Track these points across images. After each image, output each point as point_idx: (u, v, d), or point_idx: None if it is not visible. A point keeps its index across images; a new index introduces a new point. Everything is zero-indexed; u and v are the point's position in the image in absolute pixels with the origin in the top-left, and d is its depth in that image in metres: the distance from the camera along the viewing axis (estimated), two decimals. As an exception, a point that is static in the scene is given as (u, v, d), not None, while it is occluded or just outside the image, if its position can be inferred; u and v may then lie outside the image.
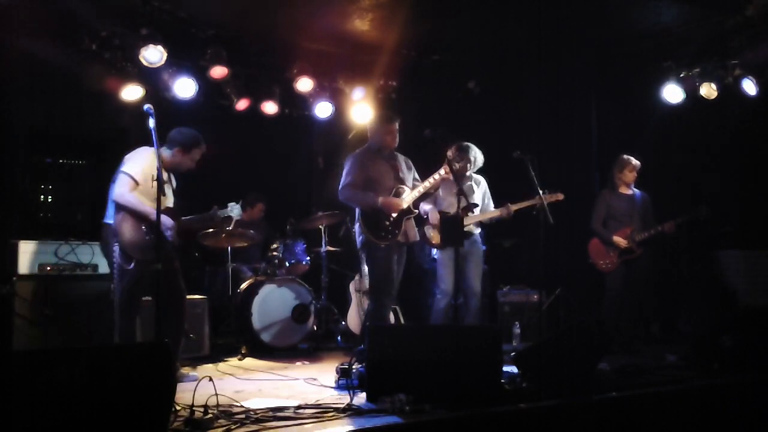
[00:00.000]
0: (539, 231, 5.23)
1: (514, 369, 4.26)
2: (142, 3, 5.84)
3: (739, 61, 6.56)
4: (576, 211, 6.33)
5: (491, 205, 5.98)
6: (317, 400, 3.85)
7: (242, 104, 6.94)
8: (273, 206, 7.41)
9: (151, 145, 4.41)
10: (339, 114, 7.39)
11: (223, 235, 6.09)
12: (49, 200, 5.71)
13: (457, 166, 5.29)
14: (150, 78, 6.24)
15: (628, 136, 7.46)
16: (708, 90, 6.71)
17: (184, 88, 6.35)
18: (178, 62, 6.32)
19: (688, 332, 6.82)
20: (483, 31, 6.75)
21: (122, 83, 6.17)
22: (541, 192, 5.33)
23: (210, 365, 5.43)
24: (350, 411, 3.60)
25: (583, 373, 4.14)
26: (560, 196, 5.61)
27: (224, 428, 3.26)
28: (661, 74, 6.97)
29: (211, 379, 3.59)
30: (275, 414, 3.50)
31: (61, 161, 5.79)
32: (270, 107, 7.07)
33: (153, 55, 5.91)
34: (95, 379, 2.86)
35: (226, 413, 3.45)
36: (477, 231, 5.92)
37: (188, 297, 5.69)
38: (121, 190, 4.38)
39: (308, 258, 6.67)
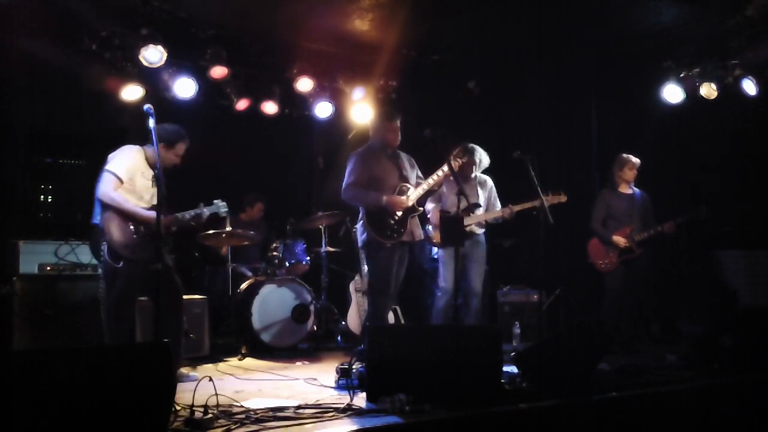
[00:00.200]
0: (539, 231, 5.22)
1: (514, 369, 4.25)
2: (142, 3, 5.84)
3: (739, 61, 6.56)
4: (576, 211, 6.33)
5: (498, 205, 5.98)
6: (317, 400, 3.85)
7: (242, 104, 6.94)
8: (273, 206, 7.41)
9: (151, 144, 4.46)
10: (339, 114, 7.39)
11: (223, 235, 6.09)
12: (49, 200, 5.72)
13: (459, 161, 5.28)
14: (150, 78, 6.25)
15: (628, 136, 7.47)
16: (708, 90, 6.71)
17: (184, 88, 6.36)
18: (178, 62, 6.32)
19: (688, 332, 6.81)
20: (483, 31, 6.75)
21: (122, 83, 6.18)
22: (542, 194, 5.31)
23: (210, 365, 5.42)
24: (350, 411, 3.60)
25: (583, 373, 4.14)
26: (563, 198, 5.60)
27: (224, 428, 3.26)
28: (661, 74, 6.98)
29: (211, 379, 3.59)
30: (275, 414, 3.50)
31: (61, 161, 5.80)
32: (270, 107, 7.08)
33: (153, 55, 5.91)
34: (95, 379, 2.86)
35: (226, 413, 3.45)
36: (480, 231, 5.92)
37: (188, 297, 5.71)
38: (106, 188, 4.37)
39: (308, 258, 6.67)
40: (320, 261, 6.71)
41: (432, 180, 5.23)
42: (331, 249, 6.75)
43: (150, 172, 4.61)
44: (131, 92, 6.21)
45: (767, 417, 4.33)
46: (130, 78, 6.17)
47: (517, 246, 7.61)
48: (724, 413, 4.30)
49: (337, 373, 4.36)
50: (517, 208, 5.73)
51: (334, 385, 4.38)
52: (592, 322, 4.55)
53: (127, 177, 4.44)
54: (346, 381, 4.17)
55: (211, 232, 6.03)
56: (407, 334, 4.06)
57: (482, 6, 6.17)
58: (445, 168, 5.11)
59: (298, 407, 3.65)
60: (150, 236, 4.47)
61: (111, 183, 4.38)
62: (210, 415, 3.34)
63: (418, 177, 5.45)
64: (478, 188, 5.96)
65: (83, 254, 5.30)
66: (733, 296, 6.94)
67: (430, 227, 5.98)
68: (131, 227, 4.40)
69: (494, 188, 6.07)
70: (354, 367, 4.23)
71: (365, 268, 6.37)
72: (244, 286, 6.38)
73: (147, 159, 4.62)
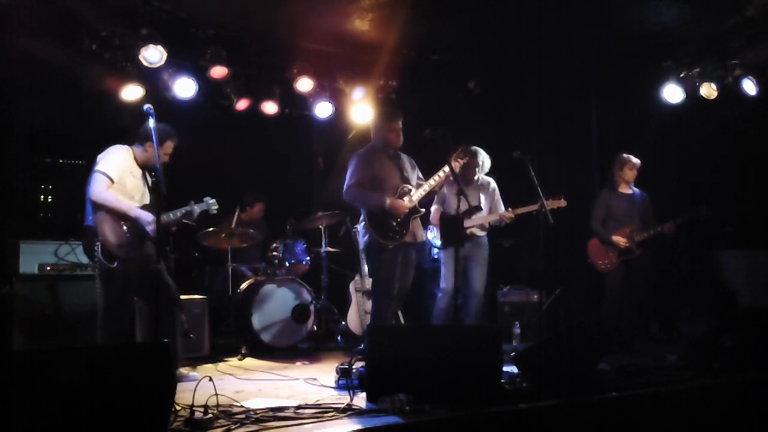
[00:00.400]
0: (539, 231, 5.22)
1: (514, 369, 4.25)
2: (142, 3, 5.84)
3: (739, 61, 6.57)
4: (576, 211, 6.33)
5: (501, 207, 5.98)
6: (317, 400, 3.85)
7: (242, 104, 6.94)
8: (273, 206, 7.42)
9: (138, 143, 4.48)
10: (339, 114, 7.39)
11: (223, 235, 6.10)
12: (49, 200, 5.71)
13: (460, 161, 5.27)
14: (150, 78, 6.24)
15: (628, 136, 7.47)
16: (708, 90, 6.72)
17: (184, 88, 6.36)
18: (178, 62, 6.32)
19: (688, 332, 6.82)
20: (483, 31, 6.75)
21: (122, 83, 6.17)
22: (543, 198, 5.30)
23: (210, 365, 5.43)
24: (350, 411, 3.60)
25: (583, 373, 4.14)
26: (562, 203, 5.60)
27: (224, 428, 3.26)
28: (661, 74, 6.98)
29: (211, 379, 3.59)
30: (275, 414, 3.50)
31: (61, 161, 5.79)
32: (270, 107, 7.08)
33: (153, 55, 5.91)
34: (95, 379, 2.86)
35: (226, 413, 3.45)
36: (482, 233, 5.91)
37: (188, 297, 5.72)
38: (97, 188, 4.35)
39: (308, 258, 6.67)
40: (320, 261, 6.71)
41: (433, 181, 5.21)
42: (331, 249, 6.75)
43: (139, 171, 4.61)
44: (131, 92, 6.21)
45: (767, 417, 4.33)
46: (130, 78, 6.17)
47: (517, 246, 7.61)
48: (724, 413, 4.30)
49: (337, 373, 4.36)
50: (517, 211, 5.74)
51: (334, 385, 4.38)
52: (592, 322, 4.56)
53: (118, 177, 4.43)
54: (346, 381, 4.17)
55: (211, 231, 6.04)
56: (407, 334, 4.06)
57: (482, 6, 6.17)
58: (446, 169, 5.10)
59: (298, 407, 3.65)
60: (143, 235, 4.46)
61: (103, 183, 4.37)
62: (210, 415, 3.34)
63: (418, 178, 5.44)
64: (480, 191, 5.96)
65: (83, 254, 5.29)
66: (733, 296, 6.94)
67: (430, 228, 5.99)
68: (124, 227, 4.39)
69: (497, 190, 6.07)
70: (354, 367, 4.22)
71: (365, 268, 6.38)
72: (244, 286, 6.38)
73: (135, 158, 4.61)
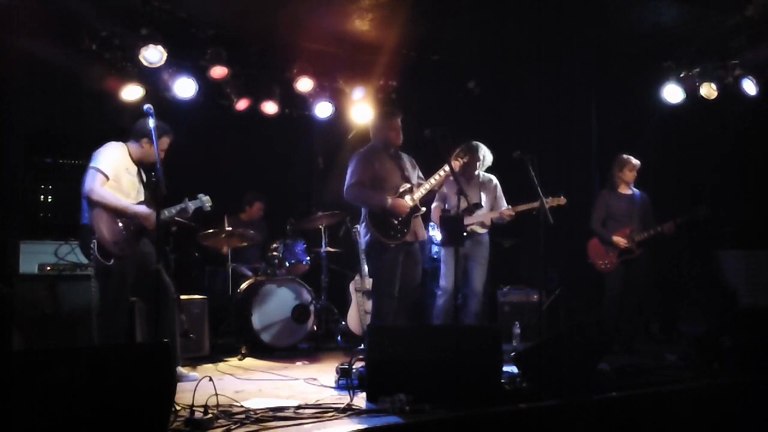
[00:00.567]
0: (539, 231, 5.23)
1: (514, 369, 4.25)
2: (142, 3, 5.84)
3: (739, 61, 6.56)
4: (576, 211, 6.34)
5: (503, 204, 5.99)
6: (317, 400, 3.84)
7: (242, 104, 6.94)
8: (273, 206, 7.42)
9: (134, 140, 4.47)
10: (339, 114, 7.39)
11: (223, 235, 6.10)
12: (49, 200, 5.72)
13: (461, 160, 5.26)
14: (150, 78, 6.25)
15: (628, 136, 7.47)
16: (708, 90, 6.71)
17: (184, 88, 6.36)
18: (178, 62, 6.32)
19: (688, 332, 6.82)
20: (483, 31, 6.76)
21: (122, 83, 6.17)
22: (543, 196, 5.31)
23: (210, 365, 5.43)
24: (350, 411, 3.59)
25: (583, 373, 4.14)
26: (562, 201, 5.61)
27: (224, 428, 3.26)
28: (661, 74, 6.97)
29: (211, 379, 3.59)
30: (275, 414, 3.49)
31: (61, 161, 5.79)
32: (270, 107, 7.08)
33: (153, 55, 5.91)
34: (95, 379, 2.86)
35: (226, 413, 3.45)
36: (482, 231, 5.91)
37: (188, 297, 5.72)
38: (92, 185, 4.34)
39: (308, 258, 6.67)
40: (320, 261, 6.71)
41: (434, 180, 5.20)
42: (331, 249, 6.75)
43: (134, 168, 4.61)
44: (131, 92, 6.21)
45: (767, 417, 4.33)
46: (130, 78, 6.16)
47: (517, 246, 7.61)
48: (724, 413, 4.30)
49: (337, 373, 4.36)
50: (517, 209, 5.75)
51: (334, 385, 4.38)
52: (592, 322, 4.55)
53: (113, 174, 4.43)
54: (346, 381, 4.17)
55: (210, 231, 6.04)
56: (407, 334, 4.05)
57: (482, 6, 6.17)
58: (447, 168, 5.10)
59: (298, 407, 3.64)
60: (139, 232, 4.45)
61: (98, 180, 4.36)
62: (210, 415, 3.33)
63: (419, 177, 5.43)
64: (481, 188, 5.96)
65: (83, 254, 5.30)
66: (733, 296, 6.93)
67: (431, 226, 5.99)
68: (120, 224, 4.38)
69: (499, 187, 6.07)
70: (354, 367, 4.22)
71: (365, 268, 6.38)
72: (244, 286, 6.38)
73: (131, 155, 4.60)
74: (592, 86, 7.60)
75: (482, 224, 5.90)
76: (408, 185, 5.25)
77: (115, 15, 5.93)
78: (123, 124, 6.07)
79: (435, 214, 6.01)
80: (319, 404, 3.73)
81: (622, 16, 6.48)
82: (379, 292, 5.26)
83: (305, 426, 3.34)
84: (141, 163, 4.67)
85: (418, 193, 5.22)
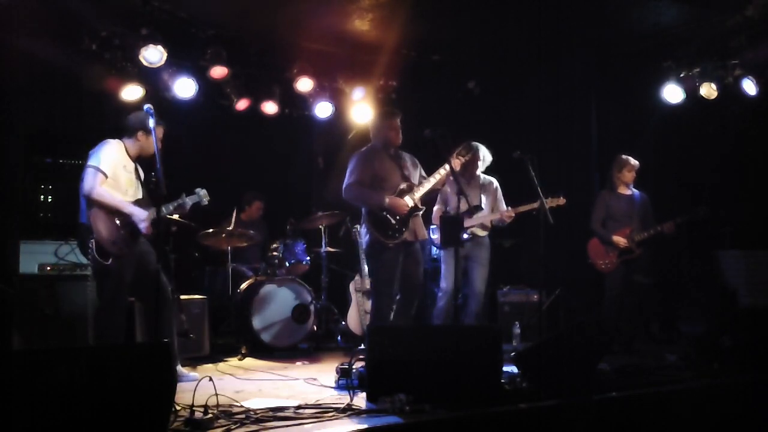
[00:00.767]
0: (539, 231, 5.22)
1: (514, 369, 4.25)
2: (142, 3, 5.84)
3: (739, 61, 6.57)
4: (576, 211, 6.34)
5: (503, 206, 5.98)
6: (317, 400, 3.84)
7: (242, 104, 6.95)
8: (273, 206, 7.42)
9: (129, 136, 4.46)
10: (339, 114, 7.39)
11: (223, 235, 6.10)
12: (49, 200, 5.71)
13: (462, 159, 5.26)
14: (150, 78, 6.25)
15: (628, 136, 7.47)
16: (708, 90, 6.72)
17: (184, 88, 6.36)
18: (178, 62, 6.32)
19: (688, 332, 6.82)
20: (483, 31, 6.76)
21: (122, 83, 6.18)
22: (542, 197, 5.31)
23: (210, 365, 5.43)
24: (350, 411, 3.59)
25: (583, 373, 4.14)
26: (562, 202, 5.61)
27: (224, 428, 3.26)
28: (661, 74, 6.98)
29: (211, 379, 3.59)
30: (275, 414, 3.49)
31: (61, 161, 5.79)
32: (270, 107, 7.08)
33: (153, 55, 5.91)
34: (95, 379, 2.86)
35: (226, 413, 3.45)
36: (483, 233, 5.91)
37: (188, 297, 5.72)
38: (91, 184, 4.33)
39: (308, 258, 6.67)
40: (320, 261, 6.71)
41: (433, 179, 5.19)
42: (331, 249, 6.75)
43: (132, 165, 4.60)
44: (131, 92, 6.21)
45: (767, 417, 4.33)
46: (130, 78, 6.17)
47: (517, 246, 7.61)
48: (724, 413, 4.30)
49: (337, 373, 4.36)
50: (517, 210, 5.75)
51: (334, 385, 4.38)
52: (592, 322, 4.55)
53: (111, 171, 4.41)
54: (346, 381, 4.17)
55: (210, 231, 6.05)
56: (407, 334, 4.05)
57: (482, 6, 6.17)
58: (447, 167, 5.09)
59: (298, 407, 3.64)
60: (136, 231, 4.45)
61: (96, 178, 4.34)
62: (210, 415, 3.33)
63: (421, 176, 5.40)
64: (482, 191, 5.96)
65: (81, 253, 5.30)
66: (733, 296, 6.93)
67: (432, 227, 5.98)
68: (117, 222, 4.38)
69: (500, 190, 6.07)
70: (354, 367, 4.22)
71: (365, 268, 6.38)
72: (244, 286, 6.38)
73: (127, 151, 4.59)
74: (592, 86, 7.60)
75: (483, 226, 5.90)
76: (408, 184, 5.23)
77: (115, 15, 5.93)
78: (123, 124, 6.09)
79: (436, 215, 6.00)
80: (319, 404, 3.73)
81: (622, 16, 6.48)
82: (377, 292, 5.25)
83: (305, 426, 3.34)
84: (139, 158, 4.66)
85: (418, 192, 5.20)
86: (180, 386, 3.70)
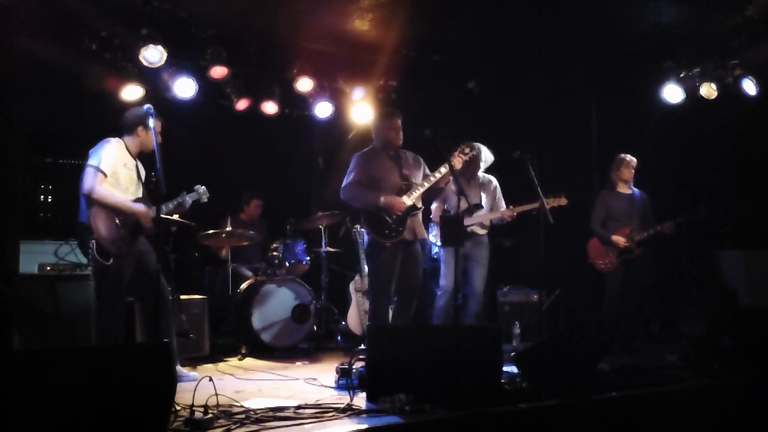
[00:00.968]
0: (539, 231, 5.22)
1: (514, 369, 4.25)
2: (142, 3, 5.84)
3: (739, 61, 6.57)
4: (576, 211, 6.33)
5: (502, 205, 5.98)
6: (317, 400, 3.84)
7: (242, 104, 6.95)
8: (273, 206, 7.42)
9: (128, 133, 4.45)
10: (339, 114, 7.40)
11: (223, 235, 6.10)
12: (49, 200, 5.71)
13: (465, 156, 5.24)
14: (150, 78, 6.25)
15: (628, 136, 7.47)
16: (708, 90, 6.72)
17: (184, 88, 6.36)
18: (178, 62, 6.33)
19: (688, 332, 6.82)
20: (483, 31, 6.76)
21: (122, 83, 6.18)
22: (542, 197, 5.30)
23: (210, 365, 5.43)
24: (350, 411, 3.59)
25: (583, 373, 4.14)
26: (563, 202, 5.60)
27: (224, 428, 3.26)
28: (661, 74, 6.98)
29: (211, 379, 3.59)
30: (275, 414, 3.49)
31: (61, 161, 5.79)
32: (270, 107, 7.08)
33: (153, 55, 5.91)
34: (95, 379, 2.86)
35: (226, 413, 3.45)
36: (482, 232, 5.90)
37: (188, 297, 5.72)
38: (90, 184, 4.32)
39: (308, 258, 6.67)
40: (320, 261, 6.71)
41: (433, 178, 5.17)
42: (331, 249, 6.75)
43: (132, 163, 4.59)
44: (131, 92, 6.21)
45: (767, 417, 4.33)
46: (130, 78, 6.17)
47: (517, 246, 7.61)
48: (724, 413, 4.30)
49: (337, 373, 4.36)
50: (518, 209, 5.74)
51: (334, 385, 4.38)
52: (592, 322, 4.55)
53: (111, 170, 4.41)
54: (346, 381, 4.17)
55: (210, 231, 6.05)
56: (407, 334, 4.05)
57: (482, 6, 6.18)
58: (446, 167, 5.08)
59: (298, 407, 3.64)
60: (137, 230, 4.44)
61: (96, 177, 4.33)
62: (210, 415, 3.33)
63: (425, 174, 5.35)
64: (482, 189, 5.96)
65: (81, 252, 5.30)
66: (733, 296, 6.93)
67: (431, 226, 5.98)
68: (117, 221, 4.37)
69: (499, 188, 6.07)
70: (354, 367, 4.22)
71: (365, 268, 6.38)
72: (244, 286, 6.38)
73: (127, 148, 4.59)
74: (592, 86, 7.60)
75: (482, 225, 5.90)
76: (406, 183, 5.22)
77: (115, 15, 5.93)
78: (121, 122, 6.08)
79: (436, 214, 6.01)
80: (319, 404, 3.73)
81: (622, 16, 6.48)
82: (375, 291, 5.25)
83: (305, 426, 3.34)
84: (141, 155, 4.65)
85: (417, 192, 5.19)
86: (180, 386, 3.70)
